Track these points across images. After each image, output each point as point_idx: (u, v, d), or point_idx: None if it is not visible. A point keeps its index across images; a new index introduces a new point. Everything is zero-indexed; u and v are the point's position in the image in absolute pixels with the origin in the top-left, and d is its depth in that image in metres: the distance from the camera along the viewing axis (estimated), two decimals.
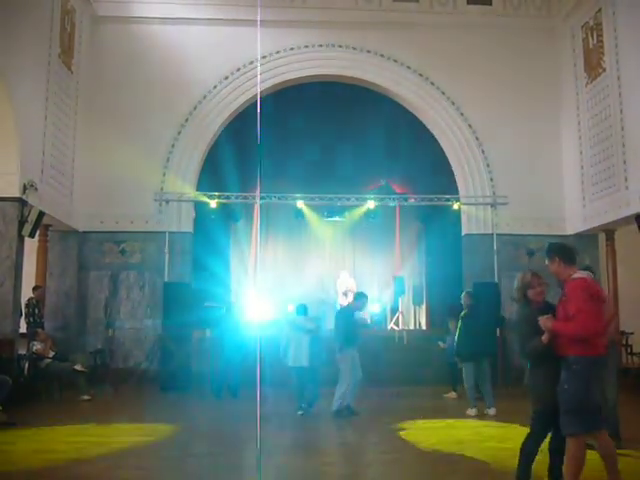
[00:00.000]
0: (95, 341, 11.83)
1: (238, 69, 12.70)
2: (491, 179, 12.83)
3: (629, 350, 11.77)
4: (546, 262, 4.05)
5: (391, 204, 13.74)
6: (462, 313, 8.50)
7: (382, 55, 12.96)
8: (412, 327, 14.96)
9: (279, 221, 15.53)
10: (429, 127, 13.18)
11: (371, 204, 13.09)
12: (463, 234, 13.02)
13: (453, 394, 9.71)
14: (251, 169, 12.46)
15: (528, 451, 3.99)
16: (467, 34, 12.96)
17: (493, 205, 12.51)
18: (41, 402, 8.97)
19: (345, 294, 14.28)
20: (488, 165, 12.85)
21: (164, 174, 12.42)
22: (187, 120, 12.56)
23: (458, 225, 13.10)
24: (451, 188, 13.06)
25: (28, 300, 10.31)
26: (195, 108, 12.60)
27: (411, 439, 6.31)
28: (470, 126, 12.90)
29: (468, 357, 7.98)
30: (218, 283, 12.97)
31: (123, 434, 6.55)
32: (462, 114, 12.90)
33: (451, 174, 13.15)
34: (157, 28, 12.70)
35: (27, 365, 9.46)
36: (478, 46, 12.98)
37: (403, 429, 6.85)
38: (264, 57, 12.58)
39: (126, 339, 11.93)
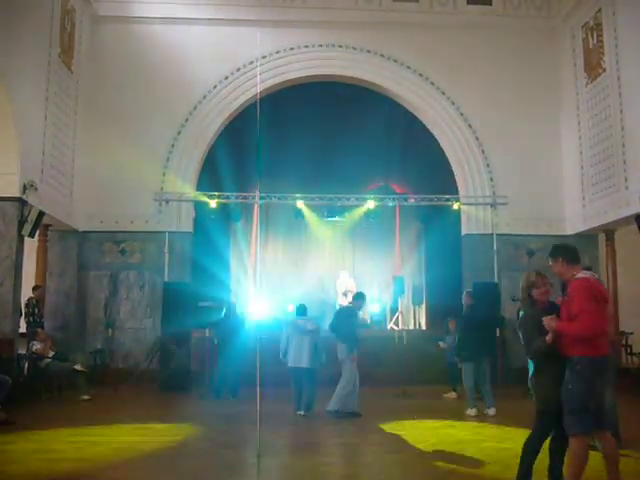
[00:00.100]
0: (95, 341, 11.83)
1: (238, 69, 12.70)
2: (491, 179, 12.83)
3: (629, 350, 11.76)
4: (549, 262, 4.05)
5: (391, 204, 13.73)
6: (462, 313, 8.50)
7: (382, 55, 12.96)
8: (412, 327, 14.95)
9: (279, 221, 15.52)
10: (429, 127, 13.18)
11: (371, 204, 13.09)
12: (463, 234, 13.03)
13: (453, 394, 9.71)
14: (251, 169, 12.47)
15: (530, 451, 3.99)
16: (467, 34, 12.96)
17: (493, 205, 12.51)
18: (41, 402, 8.96)
19: (345, 294, 14.26)
20: (488, 165, 12.85)
21: (164, 174, 12.42)
22: (187, 120, 12.56)
23: (458, 225, 13.10)
24: (451, 188, 13.06)
25: (28, 300, 10.31)
26: (195, 108, 12.60)
27: (411, 439, 6.31)
28: (470, 126, 12.90)
29: (468, 357, 7.98)
30: (218, 283, 12.96)
31: (122, 434, 6.55)
32: (462, 114, 12.91)
33: (451, 174, 13.15)
34: (157, 28, 12.70)
35: (27, 365, 9.47)
36: (478, 46, 12.98)
37: (403, 429, 6.85)
38: (264, 57, 12.57)
39: (126, 339, 11.93)
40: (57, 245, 11.81)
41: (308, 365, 7.70)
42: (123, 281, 12.14)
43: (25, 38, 9.56)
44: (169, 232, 11.92)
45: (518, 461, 4.08)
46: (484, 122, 12.87)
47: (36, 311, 10.38)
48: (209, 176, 12.94)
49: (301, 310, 8.18)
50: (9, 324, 9.31)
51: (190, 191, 12.45)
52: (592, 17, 11.92)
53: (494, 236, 12.33)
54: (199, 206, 12.74)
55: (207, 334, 11.38)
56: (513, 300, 11.05)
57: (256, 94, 12.26)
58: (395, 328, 13.18)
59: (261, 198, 12.87)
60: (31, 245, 10.59)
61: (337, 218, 14.87)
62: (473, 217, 12.75)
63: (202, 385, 10.24)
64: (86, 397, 9.23)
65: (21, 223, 9.44)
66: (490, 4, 13.18)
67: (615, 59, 11.16)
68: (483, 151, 12.87)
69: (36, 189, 9.72)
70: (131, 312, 12.05)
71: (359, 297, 8.30)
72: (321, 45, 12.90)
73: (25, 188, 9.48)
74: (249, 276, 14.96)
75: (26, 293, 10.22)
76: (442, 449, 5.77)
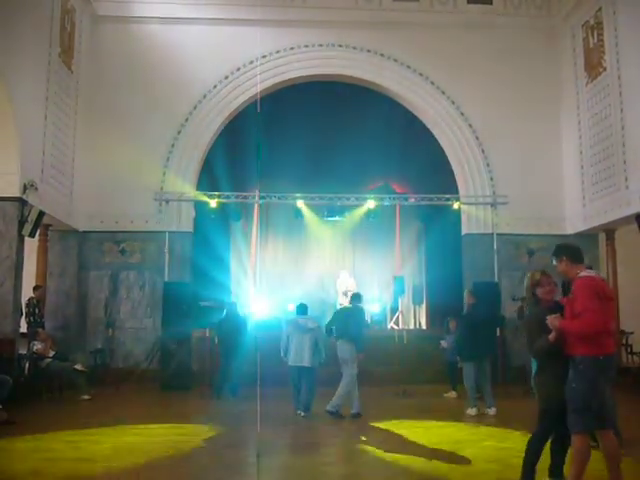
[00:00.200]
0: (95, 341, 11.83)
1: (238, 69, 12.70)
2: (491, 179, 12.83)
3: (629, 350, 11.76)
4: (554, 262, 4.06)
5: (389, 203, 13.67)
6: (464, 312, 8.49)
7: (382, 54, 12.96)
8: (412, 327, 14.95)
9: (279, 221, 15.52)
10: (429, 127, 13.18)
11: (371, 204, 13.09)
12: (463, 234, 13.03)
13: (453, 393, 9.71)
14: (251, 169, 12.46)
15: (534, 450, 4.00)
16: (467, 33, 12.95)
17: (493, 205, 12.51)
18: (41, 402, 8.97)
19: (345, 294, 14.26)
20: (488, 165, 12.85)
21: (164, 174, 12.42)
22: (187, 120, 12.56)
23: (458, 225, 13.10)
24: (451, 188, 13.06)
25: (28, 300, 10.32)
26: (195, 108, 12.60)
27: (411, 438, 6.31)
28: (470, 126, 12.90)
29: (470, 356, 7.98)
30: (218, 283, 12.96)
31: (123, 434, 6.55)
32: (462, 113, 12.91)
33: (451, 174, 13.15)
34: (157, 28, 12.70)
35: (27, 365, 9.47)
36: (478, 45, 12.97)
37: (403, 428, 6.85)
38: (264, 57, 12.57)
39: (126, 339, 11.93)
40: (57, 245, 11.81)
41: (309, 364, 7.70)
42: (123, 281, 12.15)
43: (25, 38, 9.56)
44: (169, 232, 11.92)
45: (518, 460, 4.09)
46: (484, 121, 12.87)
47: (37, 311, 10.38)
48: (209, 176, 12.94)
49: (301, 309, 8.18)
50: (10, 324, 9.31)
51: (190, 191, 12.45)
52: (592, 16, 11.92)
53: (494, 236, 12.33)
54: (199, 206, 12.74)
55: (207, 334, 11.39)
56: (513, 299, 11.09)
57: (256, 94, 12.28)
58: (395, 328, 13.19)
59: (261, 198, 12.88)
60: (31, 245, 10.59)
61: (337, 218, 14.86)
62: (473, 217, 12.75)
63: (203, 384, 10.23)
64: (86, 397, 9.23)
65: (21, 223, 9.44)
66: (490, 3, 13.17)
67: (615, 58, 11.15)
68: (483, 150, 12.87)
69: (36, 189, 9.72)
70: (131, 312, 12.05)
71: (359, 298, 8.34)
72: (321, 45, 12.90)
73: (25, 188, 9.48)
74: (249, 276, 14.97)
75: (26, 293, 10.23)
76: (442, 448, 5.78)
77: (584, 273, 3.90)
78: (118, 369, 11.45)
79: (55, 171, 10.88)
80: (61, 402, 9.09)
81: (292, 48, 12.82)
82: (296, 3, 12.83)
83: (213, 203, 12.39)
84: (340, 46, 12.93)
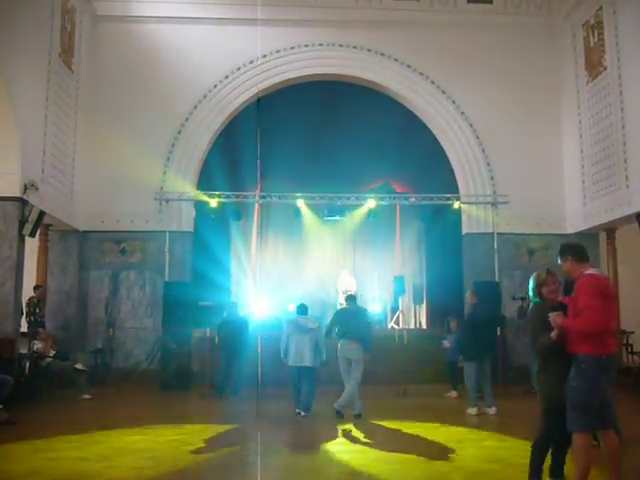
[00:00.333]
0: (96, 340, 11.83)
1: (238, 68, 12.70)
2: (491, 178, 12.82)
3: (629, 349, 11.77)
4: (558, 261, 4.08)
5: (388, 203, 13.62)
6: (467, 311, 8.48)
7: (382, 54, 12.95)
8: (412, 326, 14.95)
9: (280, 220, 15.52)
10: (430, 126, 13.17)
11: (371, 203, 13.09)
12: (463, 233, 13.02)
13: (454, 393, 9.71)
14: (251, 168, 12.46)
15: (539, 450, 4.00)
16: (467, 33, 12.95)
17: (494, 204, 12.51)
18: (42, 401, 8.98)
19: (346, 293, 14.27)
20: (489, 164, 12.84)
21: (164, 173, 12.42)
22: (187, 119, 12.56)
23: (458, 224, 13.09)
24: (451, 187, 13.05)
25: (29, 299, 10.32)
26: (195, 107, 12.60)
27: (412, 438, 6.31)
28: (471, 125, 12.89)
29: (472, 356, 7.97)
30: (218, 282, 12.96)
31: (123, 433, 6.55)
32: (462, 113, 12.90)
33: (451, 173, 13.14)
34: (157, 27, 12.69)
35: (28, 364, 9.47)
36: (478, 45, 12.97)
37: (404, 428, 6.85)
38: (264, 56, 12.57)
39: (127, 338, 11.93)
40: (58, 245, 11.81)
41: (309, 364, 7.70)
42: (124, 280, 12.15)
43: (25, 38, 9.56)
44: (169, 231, 11.93)
45: (519, 460, 4.09)
46: (484, 120, 12.86)
47: (37, 310, 10.39)
48: (209, 175, 12.93)
49: (302, 309, 8.18)
50: (10, 324, 9.31)
51: (190, 190, 12.45)
52: (593, 15, 11.91)
53: (495, 235, 12.33)
54: (199, 206, 12.75)
55: (208, 334, 11.40)
56: (513, 299, 11.09)
57: (256, 93, 12.28)
58: (396, 327, 13.18)
59: (261, 197, 12.88)
60: (32, 245, 10.59)
61: (337, 217, 14.86)
62: (474, 216, 12.74)
63: (203, 384, 10.23)
64: (87, 396, 9.24)
65: (22, 223, 9.44)
66: (490, 3, 13.16)
67: (616, 57, 11.15)
68: (483, 150, 12.86)
69: (37, 189, 9.73)
70: (132, 311, 12.05)
71: (355, 299, 8.43)
72: (321, 44, 12.89)
73: (26, 188, 9.48)
74: (249, 276, 14.96)
75: (27, 293, 10.23)
76: (443, 448, 5.78)
77: (588, 271, 3.91)
78: (118, 369, 11.45)
79: (55, 171, 10.89)
80: (62, 402, 9.09)
81: (292, 48, 12.82)
82: (296, 3, 12.81)
83: (213, 203, 12.39)
84: (340, 46, 12.92)
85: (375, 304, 14.61)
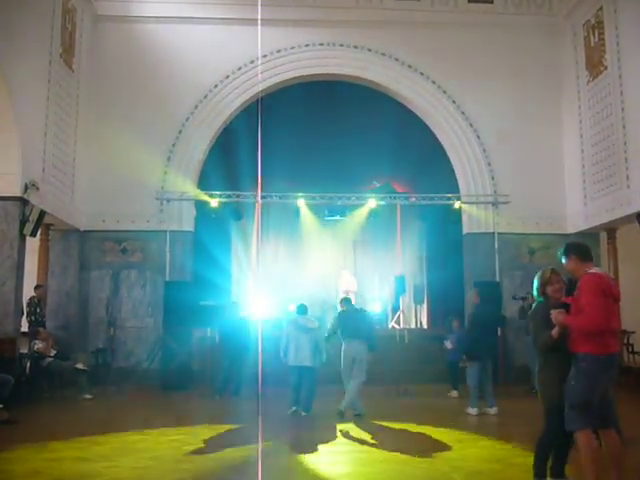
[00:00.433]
0: (96, 340, 11.83)
1: (239, 68, 12.70)
2: (492, 178, 12.82)
3: (630, 349, 11.77)
4: (562, 260, 4.08)
5: (387, 203, 13.60)
6: (470, 311, 8.49)
7: (383, 54, 12.94)
8: (413, 326, 14.96)
9: (280, 220, 15.53)
10: (430, 126, 13.16)
11: (372, 203, 13.09)
12: (464, 233, 13.01)
13: (454, 393, 9.71)
14: (252, 168, 12.43)
15: (542, 448, 4.01)
16: (468, 33, 12.93)
17: (494, 204, 12.51)
18: (42, 401, 8.98)
19: (346, 293, 14.26)
20: (489, 164, 12.83)
21: (165, 173, 12.42)
22: (188, 119, 12.56)
23: (459, 224, 13.09)
24: (452, 187, 13.05)
25: (30, 299, 10.32)
26: (196, 107, 12.59)
27: (412, 438, 6.31)
28: (471, 125, 12.88)
29: (476, 356, 7.97)
30: (219, 282, 12.97)
31: (124, 433, 6.55)
32: (463, 113, 12.89)
33: (452, 173, 13.13)
34: (158, 27, 12.69)
35: (29, 364, 9.48)
36: (479, 45, 12.96)
37: (404, 428, 6.85)
38: (265, 56, 12.55)
39: (127, 338, 11.93)
40: (58, 244, 11.81)
41: (309, 363, 7.71)
42: (124, 280, 12.15)
43: (26, 37, 9.56)
44: (170, 231, 11.94)
45: (520, 460, 4.10)
46: (485, 121, 12.85)
47: (38, 310, 10.39)
48: (210, 175, 12.93)
49: (302, 309, 8.19)
50: (11, 323, 9.31)
51: (191, 190, 12.45)
52: (593, 15, 11.90)
53: (495, 235, 12.32)
54: (200, 205, 12.75)
55: (209, 333, 11.40)
56: (514, 299, 11.08)
57: (257, 93, 12.27)
58: (396, 327, 13.18)
59: (262, 197, 12.87)
60: (33, 245, 10.60)
61: (338, 217, 14.88)
62: (474, 216, 12.73)
63: (204, 384, 10.24)
64: (88, 396, 9.25)
65: (23, 223, 9.44)
66: (491, 2, 13.14)
67: (617, 57, 11.14)
68: (484, 150, 12.85)
69: (38, 189, 9.72)
70: (132, 311, 12.05)
71: (350, 302, 8.52)
72: (322, 44, 12.89)
73: (27, 188, 9.49)
74: (250, 275, 14.97)
75: (28, 292, 10.23)
76: (443, 448, 5.78)
77: (592, 270, 3.92)
78: (119, 368, 11.45)
79: (56, 171, 10.89)
80: (62, 401, 9.10)
81: (293, 47, 12.81)
82: (297, 2, 12.80)
83: (214, 202, 12.40)
84: (341, 45, 12.92)
85: (376, 304, 14.63)
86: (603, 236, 12.16)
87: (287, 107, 12.57)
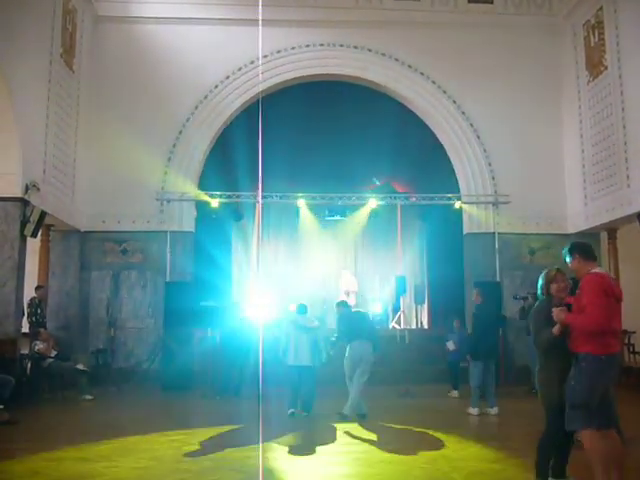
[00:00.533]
0: (97, 340, 11.84)
1: (239, 69, 12.70)
2: (492, 178, 12.82)
3: (631, 349, 11.76)
4: (567, 259, 4.08)
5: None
6: (475, 311, 8.48)
7: (383, 54, 12.95)
8: (414, 326, 14.95)
9: (281, 220, 15.54)
10: (430, 125, 13.16)
11: (373, 203, 13.08)
12: (465, 233, 13.01)
13: (455, 393, 9.71)
14: (252, 168, 12.44)
15: (544, 447, 4.00)
16: (468, 33, 12.94)
17: (495, 204, 12.51)
18: (43, 402, 8.98)
19: (347, 293, 14.27)
20: (490, 164, 12.84)
21: (165, 173, 12.42)
22: (188, 120, 12.57)
23: (459, 224, 13.09)
24: (452, 187, 13.05)
25: (30, 300, 10.32)
26: (196, 107, 12.60)
27: (412, 438, 6.31)
28: (472, 125, 12.89)
29: (481, 356, 7.96)
30: (220, 283, 12.97)
31: (124, 434, 6.55)
32: (463, 113, 12.89)
33: (452, 173, 13.14)
34: (158, 28, 12.70)
35: (29, 365, 9.48)
36: (479, 45, 12.96)
37: (405, 428, 6.85)
38: (265, 57, 12.56)
39: (128, 338, 11.94)
40: (59, 245, 11.82)
41: (309, 363, 7.71)
42: (125, 281, 12.15)
43: (27, 38, 9.57)
44: (171, 232, 11.95)
45: (521, 460, 4.09)
46: (485, 120, 12.85)
47: (39, 311, 10.38)
48: (211, 175, 12.94)
49: (301, 309, 8.20)
50: (12, 324, 9.32)
51: (191, 191, 12.45)
52: (593, 15, 11.90)
53: (496, 235, 12.33)
54: (200, 206, 12.76)
55: (209, 334, 11.40)
56: (515, 298, 11.08)
57: (257, 94, 12.28)
58: (397, 327, 13.19)
59: (263, 197, 12.88)
60: (33, 245, 10.60)
61: (338, 217, 14.88)
62: (475, 216, 12.73)
63: (204, 385, 10.24)
64: (88, 397, 9.25)
65: (23, 223, 9.45)
66: (491, 2, 13.15)
67: (617, 57, 11.14)
68: (485, 150, 12.86)
69: (38, 189, 9.73)
70: (133, 312, 12.06)
71: (346, 304, 8.61)
72: (322, 44, 12.89)
73: (27, 188, 9.49)
74: (251, 276, 14.97)
75: (28, 293, 10.23)
76: (444, 448, 5.78)
77: (595, 270, 3.92)
78: (120, 369, 11.46)
79: (57, 171, 10.90)
80: (63, 402, 9.09)
81: (293, 48, 12.82)
82: (297, 3, 12.81)
83: (214, 203, 12.41)
84: (341, 46, 12.93)
85: (376, 304, 14.62)
86: (604, 236, 12.15)
87: (287, 107, 12.56)
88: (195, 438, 6.27)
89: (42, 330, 9.86)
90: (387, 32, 12.93)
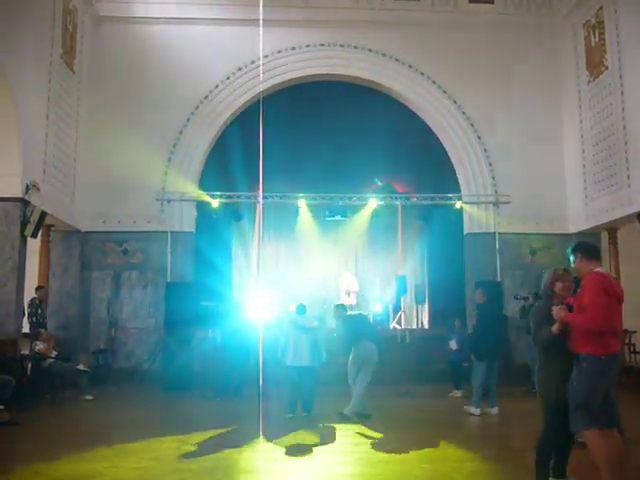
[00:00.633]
0: (97, 341, 11.84)
1: (240, 69, 12.71)
2: (493, 178, 12.81)
3: (632, 349, 11.74)
4: (571, 258, 4.09)
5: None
6: (479, 311, 8.49)
7: (383, 54, 12.95)
8: (414, 326, 14.94)
9: (281, 220, 15.52)
10: (431, 125, 13.16)
11: (373, 203, 13.07)
12: (465, 233, 13.01)
13: (457, 393, 9.70)
14: (253, 168, 12.43)
15: (543, 447, 4.00)
16: (468, 33, 12.93)
17: (495, 204, 12.50)
18: (44, 402, 8.98)
19: (348, 294, 14.27)
20: (490, 164, 12.83)
21: (166, 174, 12.42)
22: (189, 120, 12.57)
23: (460, 224, 13.09)
24: (453, 187, 13.05)
25: (31, 300, 10.32)
26: (197, 108, 12.60)
27: (413, 438, 6.30)
28: (472, 125, 12.88)
29: (485, 356, 7.95)
30: (221, 283, 12.96)
31: (124, 434, 6.55)
32: (464, 112, 12.89)
33: (453, 173, 13.13)
34: (159, 28, 12.70)
35: (30, 365, 9.47)
36: (479, 44, 12.96)
37: (406, 428, 6.85)
38: (266, 57, 12.55)
39: (128, 339, 11.94)
40: (59, 245, 11.82)
41: (309, 363, 7.70)
42: (125, 281, 12.15)
43: (27, 38, 9.57)
44: (171, 232, 11.95)
45: (521, 460, 4.09)
46: (486, 120, 12.85)
47: (39, 311, 10.38)
48: (211, 175, 12.94)
49: (301, 309, 8.20)
50: (12, 324, 9.31)
51: (192, 191, 12.45)
52: (594, 15, 11.89)
53: (496, 235, 12.32)
54: (201, 206, 12.76)
55: (210, 334, 11.40)
56: (515, 298, 11.07)
57: (257, 94, 12.28)
58: (398, 327, 13.18)
59: (264, 197, 12.87)
60: (33, 246, 10.60)
61: (339, 217, 14.87)
62: (475, 216, 12.73)
63: (204, 385, 10.24)
64: (89, 397, 9.25)
65: (23, 224, 9.45)
66: (492, 2, 13.14)
67: (617, 57, 11.13)
68: (485, 150, 12.85)
69: (38, 190, 9.73)
70: (134, 312, 12.06)
71: (345, 308, 8.60)
72: (322, 44, 12.90)
73: (27, 189, 9.49)
74: (252, 276, 14.96)
75: (29, 294, 10.23)
76: (445, 448, 5.78)
77: (596, 269, 3.92)
78: (120, 369, 11.46)
79: (57, 171, 10.90)
80: (63, 402, 9.09)
81: (294, 48, 12.82)
82: (297, 3, 12.82)
83: (215, 203, 12.41)
84: (342, 46, 12.93)
85: (377, 304, 14.61)
86: (604, 236, 12.14)
87: (288, 107, 12.57)
88: (195, 438, 6.27)
89: (42, 330, 9.85)
90: (387, 32, 12.93)
